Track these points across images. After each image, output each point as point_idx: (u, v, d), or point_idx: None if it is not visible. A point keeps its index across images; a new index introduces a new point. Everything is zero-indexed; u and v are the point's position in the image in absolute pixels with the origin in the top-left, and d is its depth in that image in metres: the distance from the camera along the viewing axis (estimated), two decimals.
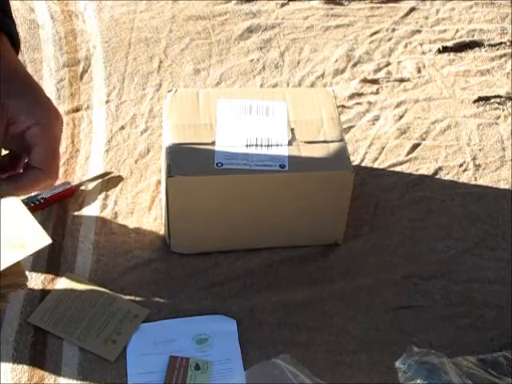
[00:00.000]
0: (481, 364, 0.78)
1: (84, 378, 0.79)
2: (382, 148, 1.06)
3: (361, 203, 0.98)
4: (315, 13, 1.27)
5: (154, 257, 0.91)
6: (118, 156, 1.02)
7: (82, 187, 0.98)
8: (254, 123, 0.89)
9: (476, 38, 1.24)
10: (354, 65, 1.18)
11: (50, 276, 0.88)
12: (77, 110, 1.08)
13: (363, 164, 1.03)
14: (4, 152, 0.74)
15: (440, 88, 1.15)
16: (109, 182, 0.99)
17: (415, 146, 1.06)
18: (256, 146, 0.87)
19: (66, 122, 1.04)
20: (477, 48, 1.23)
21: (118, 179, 0.99)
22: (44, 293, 0.86)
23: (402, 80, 1.16)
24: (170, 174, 0.83)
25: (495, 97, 1.14)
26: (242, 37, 1.21)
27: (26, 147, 0.71)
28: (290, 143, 0.87)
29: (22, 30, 1.18)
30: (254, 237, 0.91)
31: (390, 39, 1.23)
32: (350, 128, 1.08)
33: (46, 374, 0.79)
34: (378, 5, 1.29)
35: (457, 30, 1.25)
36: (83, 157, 1.02)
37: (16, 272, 0.68)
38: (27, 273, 0.77)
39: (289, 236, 0.92)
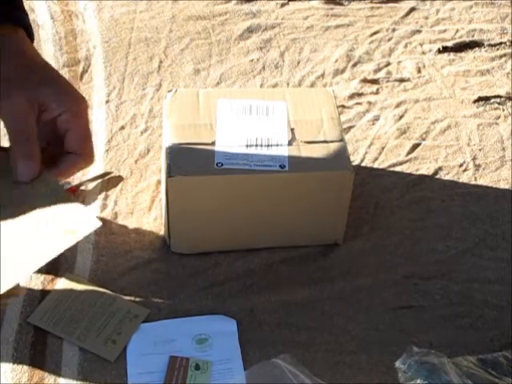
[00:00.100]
0: (481, 364, 0.77)
1: (84, 378, 0.79)
2: (382, 148, 1.06)
3: (361, 203, 0.98)
4: (315, 13, 1.27)
5: (154, 257, 0.91)
6: (118, 156, 1.02)
7: (82, 187, 0.98)
8: (253, 123, 0.89)
9: (476, 38, 1.24)
10: (354, 65, 1.18)
11: (50, 276, 0.87)
12: None
13: (363, 164, 1.03)
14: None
15: (440, 88, 1.15)
16: (109, 181, 0.99)
17: (415, 146, 1.06)
18: (256, 146, 0.87)
19: None
20: (477, 48, 1.22)
21: (118, 179, 0.99)
22: (44, 293, 0.86)
23: (402, 80, 1.16)
24: (170, 174, 0.83)
25: (495, 97, 1.14)
26: (241, 37, 1.21)
27: (59, 134, 0.73)
28: (289, 143, 0.87)
29: None
30: (254, 237, 0.91)
31: (390, 39, 1.23)
32: (349, 128, 1.08)
33: (46, 374, 0.79)
34: (378, 5, 1.29)
35: (457, 30, 1.25)
36: None
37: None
38: None
39: (289, 236, 0.92)
